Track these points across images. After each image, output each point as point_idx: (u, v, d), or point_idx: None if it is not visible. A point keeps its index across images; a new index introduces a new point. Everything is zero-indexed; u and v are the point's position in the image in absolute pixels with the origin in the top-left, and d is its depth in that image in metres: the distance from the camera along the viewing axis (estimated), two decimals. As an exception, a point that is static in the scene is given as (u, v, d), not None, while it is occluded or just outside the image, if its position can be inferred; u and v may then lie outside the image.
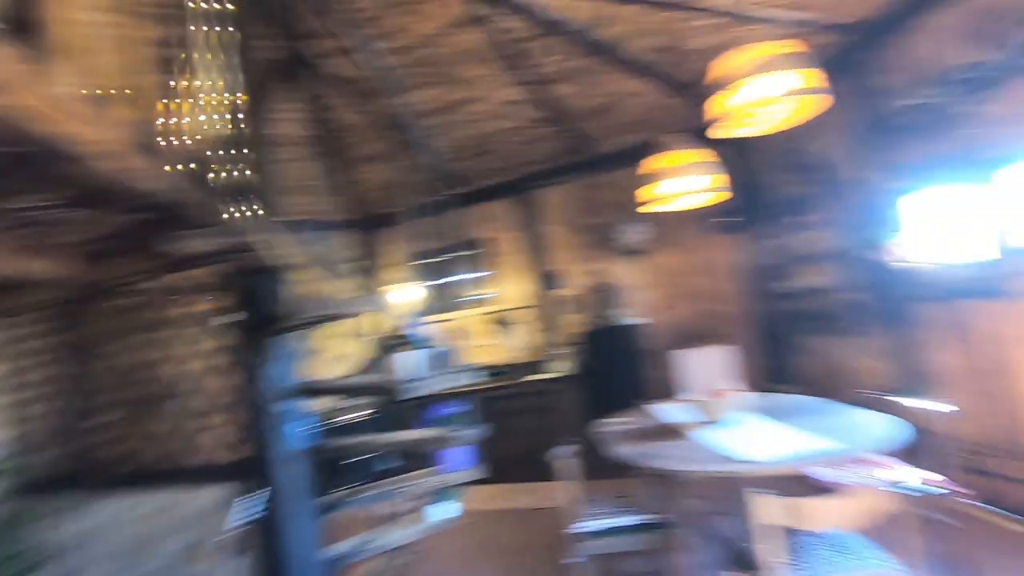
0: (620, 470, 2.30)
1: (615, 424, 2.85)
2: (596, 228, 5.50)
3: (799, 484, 2.54)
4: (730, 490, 1.87)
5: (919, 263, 3.27)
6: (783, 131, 4.30)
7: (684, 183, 2.82)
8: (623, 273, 5.37)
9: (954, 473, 3.15)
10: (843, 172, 3.88)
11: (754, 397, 2.92)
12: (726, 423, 2.47)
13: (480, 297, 5.87)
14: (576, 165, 5.51)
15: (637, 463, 2.16)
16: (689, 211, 3.27)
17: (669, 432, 2.51)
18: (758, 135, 2.46)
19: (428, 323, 5.33)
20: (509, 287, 5.79)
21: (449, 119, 4.64)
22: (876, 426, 2.21)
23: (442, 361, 3.10)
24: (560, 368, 5.19)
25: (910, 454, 2.63)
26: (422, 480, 2.62)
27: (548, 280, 5.59)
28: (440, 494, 2.66)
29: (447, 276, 6.01)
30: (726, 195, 3.02)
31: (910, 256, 3.26)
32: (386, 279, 6.00)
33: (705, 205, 3.07)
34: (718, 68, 2.25)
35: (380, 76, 3.92)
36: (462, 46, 3.88)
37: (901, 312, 3.54)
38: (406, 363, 2.68)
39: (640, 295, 5.32)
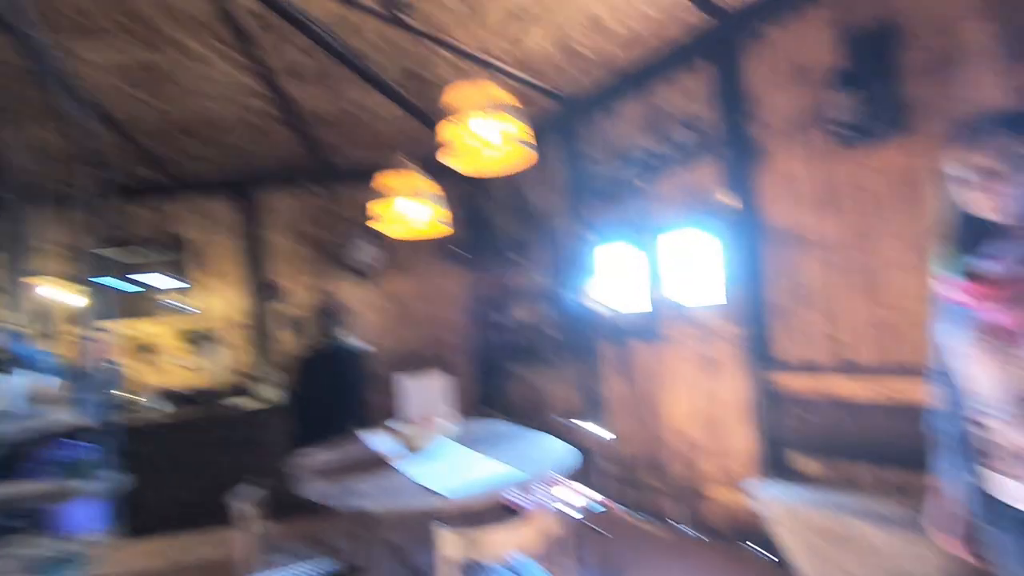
0: (315, 509, 2.04)
1: (315, 457, 2.58)
2: (326, 243, 5.16)
3: (490, 512, 2.65)
4: (424, 525, 1.80)
5: (604, 307, 3.87)
6: (510, 178, 4.64)
7: (413, 206, 2.78)
8: (350, 293, 5.12)
9: (614, 488, 3.71)
10: (555, 223, 4.41)
11: (462, 424, 2.98)
12: (430, 453, 2.43)
13: (175, 307, 4.90)
14: (310, 173, 5.12)
15: (330, 501, 1.94)
16: (421, 238, 3.26)
17: (372, 464, 2.36)
18: (479, 174, 2.56)
19: (59, 335, 4.18)
20: (215, 298, 4.98)
21: (148, 87, 3.81)
22: (556, 451, 2.43)
23: (89, 385, 2.39)
24: (269, 394, 4.61)
25: (580, 474, 3.00)
26: (28, 547, 1.90)
27: (265, 293, 4.99)
28: (58, 563, 1.96)
29: (128, 278, 4.86)
30: (454, 226, 3.10)
31: (598, 301, 3.83)
32: (23, 272, 4.54)
33: (437, 233, 3.08)
34: (449, 95, 2.28)
35: (27, 10, 2.98)
36: (175, 4, 3.23)
37: (588, 348, 4.13)
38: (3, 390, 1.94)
39: (366, 317, 5.14)
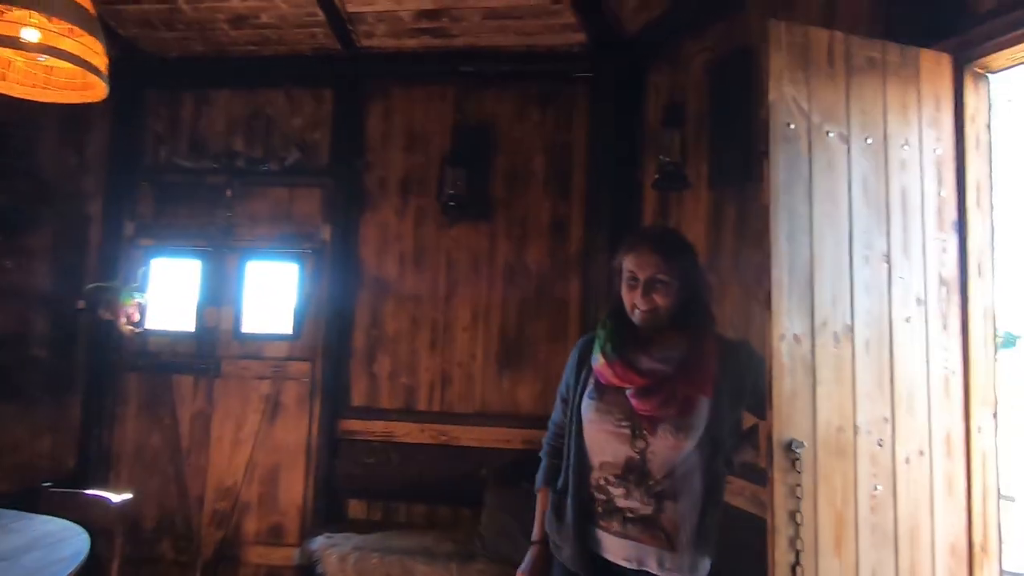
0: None
1: None
2: None
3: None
4: None
5: (144, 329, 2.98)
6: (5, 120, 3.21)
7: None
8: None
9: (124, 571, 2.81)
10: (83, 207, 3.20)
11: None
12: None
13: None
14: None
15: None
16: None
17: None
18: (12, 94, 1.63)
19: None
20: None
21: None
22: (50, 541, 1.64)
23: None
24: None
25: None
26: None
27: None
28: None
29: None
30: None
31: (137, 320, 2.94)
32: None
33: None
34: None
35: None
36: None
37: (104, 379, 3.07)
38: None
39: None
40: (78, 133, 3.24)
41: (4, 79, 1.66)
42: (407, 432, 2.88)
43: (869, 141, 1.40)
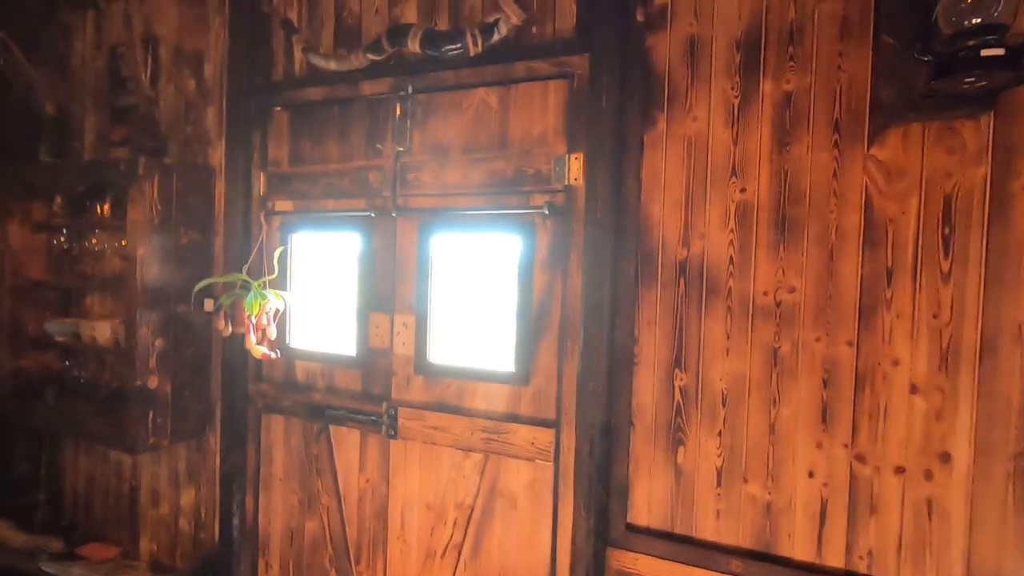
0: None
1: None
2: None
3: None
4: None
5: (287, 346, 1.83)
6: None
7: None
8: None
9: None
10: (210, 154, 2.14)
11: None
12: None
13: None
14: None
15: None
16: None
17: None
18: None
19: None
20: None
21: None
22: None
23: None
24: None
25: None
26: None
27: None
28: None
29: None
30: None
31: (274, 336, 1.77)
32: None
33: None
34: None
35: None
36: None
37: (240, 422, 2.02)
38: None
39: None
40: (195, 41, 2.16)
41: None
42: (766, 604, 1.30)
43: None
